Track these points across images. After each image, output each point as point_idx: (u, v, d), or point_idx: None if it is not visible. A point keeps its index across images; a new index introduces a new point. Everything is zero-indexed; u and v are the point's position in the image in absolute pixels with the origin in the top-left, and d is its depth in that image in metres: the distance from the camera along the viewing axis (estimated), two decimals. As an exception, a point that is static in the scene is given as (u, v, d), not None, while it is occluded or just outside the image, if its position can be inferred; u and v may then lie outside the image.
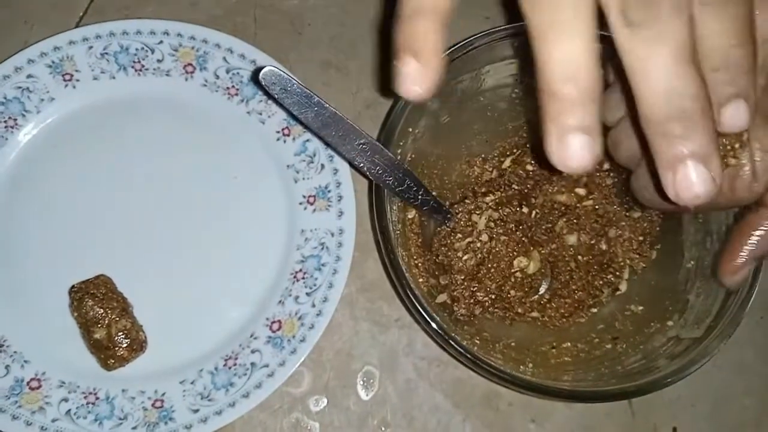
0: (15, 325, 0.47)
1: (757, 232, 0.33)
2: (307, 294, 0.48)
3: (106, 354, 0.45)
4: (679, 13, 0.22)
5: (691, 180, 0.23)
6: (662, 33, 0.22)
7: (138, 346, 0.46)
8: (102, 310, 0.45)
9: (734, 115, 0.25)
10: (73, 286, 0.46)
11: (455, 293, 0.43)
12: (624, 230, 0.47)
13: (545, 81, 0.23)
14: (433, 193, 0.46)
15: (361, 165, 0.37)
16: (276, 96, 0.34)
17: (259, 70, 0.34)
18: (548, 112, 0.23)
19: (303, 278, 0.48)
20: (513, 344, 0.46)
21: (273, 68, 0.33)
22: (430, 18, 0.24)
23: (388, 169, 0.38)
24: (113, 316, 0.45)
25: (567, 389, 0.38)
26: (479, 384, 0.49)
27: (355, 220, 0.49)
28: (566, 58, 0.22)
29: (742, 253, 0.34)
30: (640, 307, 0.46)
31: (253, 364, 0.46)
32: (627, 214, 0.47)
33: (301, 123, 0.39)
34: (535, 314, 0.47)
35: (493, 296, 0.43)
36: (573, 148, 0.22)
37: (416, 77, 0.24)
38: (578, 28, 0.22)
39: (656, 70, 0.22)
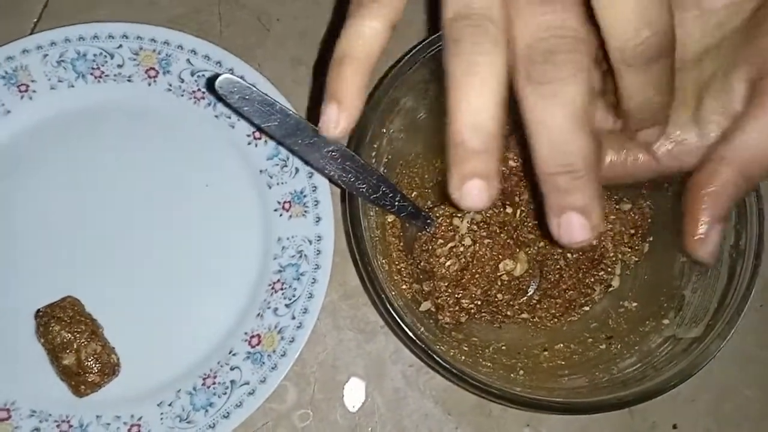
0: (-20, 353, 0.44)
1: (709, 189, 0.30)
2: (287, 306, 0.46)
3: (77, 380, 0.43)
4: (580, 74, 0.24)
5: (572, 228, 0.26)
6: (559, 93, 0.24)
7: (110, 369, 0.43)
8: (69, 335, 0.43)
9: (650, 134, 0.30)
10: (38, 311, 0.44)
11: (439, 301, 0.41)
12: (614, 224, 0.45)
13: (453, 129, 0.25)
14: (413, 195, 0.43)
15: (332, 173, 0.34)
16: (235, 105, 0.31)
17: (214, 78, 0.31)
18: (452, 156, 0.25)
19: (281, 289, 0.46)
20: (503, 348, 0.44)
21: (229, 76, 0.31)
22: (355, 64, 0.27)
23: (361, 176, 0.35)
24: (82, 340, 0.43)
25: (561, 402, 0.35)
26: (471, 389, 0.47)
27: (333, 225, 0.47)
28: (474, 110, 0.24)
29: (703, 218, 0.30)
30: (634, 304, 0.44)
31: (233, 381, 0.44)
32: (617, 207, 0.45)
33: (265, 132, 0.37)
34: (524, 315, 0.45)
35: (479, 302, 0.41)
36: (472, 192, 0.25)
37: (334, 121, 0.28)
38: (489, 83, 0.24)
39: (550, 127, 0.25)
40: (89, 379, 0.43)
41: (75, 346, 0.42)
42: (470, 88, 0.24)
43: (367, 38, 0.27)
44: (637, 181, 0.34)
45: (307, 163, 0.42)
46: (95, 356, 0.43)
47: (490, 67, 0.24)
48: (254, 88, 0.32)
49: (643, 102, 0.28)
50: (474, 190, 0.25)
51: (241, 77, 0.49)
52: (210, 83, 0.48)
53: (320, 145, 0.34)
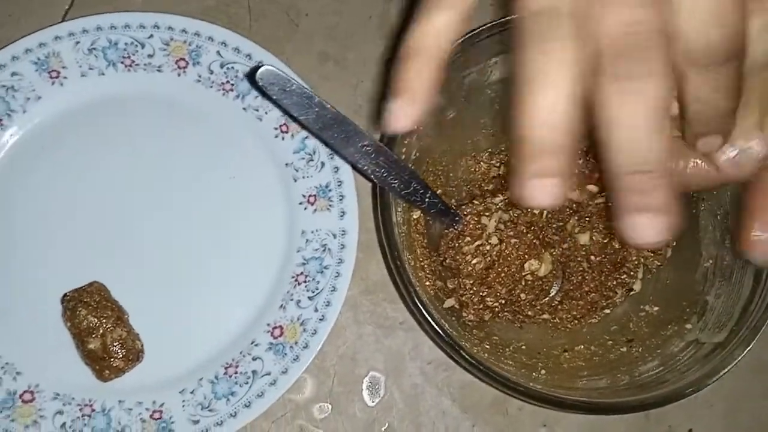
0: (6, 335, 0.45)
1: None
2: (309, 298, 0.46)
3: (102, 365, 0.43)
4: (664, 72, 0.24)
5: (647, 229, 0.25)
6: (643, 90, 0.24)
7: (134, 356, 0.44)
8: (96, 320, 0.43)
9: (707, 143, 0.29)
10: (65, 295, 0.44)
11: (464, 298, 0.41)
12: (638, 228, 0.45)
13: (524, 124, 0.24)
14: (439, 193, 0.44)
15: (365, 168, 0.35)
16: (274, 97, 0.32)
17: (255, 69, 0.31)
18: (521, 152, 0.25)
19: (305, 282, 0.47)
20: (523, 347, 0.44)
21: (270, 67, 0.31)
22: (426, 58, 0.27)
23: (393, 171, 0.36)
24: (108, 326, 0.43)
25: (583, 401, 0.36)
26: (488, 388, 0.47)
27: (357, 220, 0.47)
28: (547, 106, 0.24)
29: (765, 219, 0.29)
30: (656, 308, 0.44)
31: (254, 372, 0.45)
32: (641, 211, 0.45)
33: (301, 124, 0.37)
34: (545, 316, 0.45)
35: (503, 301, 0.41)
36: (539, 189, 0.25)
37: (403, 115, 0.27)
38: (565, 79, 0.24)
39: (631, 126, 0.24)
40: (113, 364, 0.43)
41: (101, 331, 0.43)
42: (545, 83, 0.24)
43: (439, 31, 0.27)
44: (689, 189, 0.33)
45: (341, 156, 0.43)
46: (120, 342, 0.43)
47: (567, 63, 0.24)
48: (294, 80, 0.32)
49: (708, 107, 0.27)
50: (539, 188, 0.25)
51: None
52: (251, 74, 0.48)
53: (355, 139, 0.34)
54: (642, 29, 0.24)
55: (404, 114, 0.27)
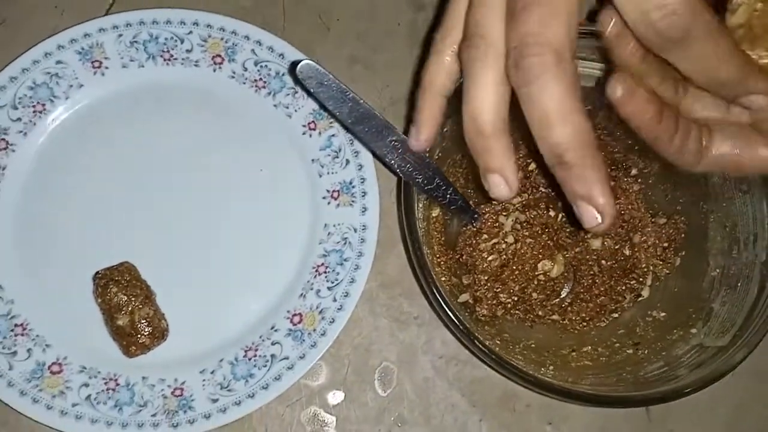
0: (38, 308, 0.47)
1: None
2: (329, 288, 0.48)
3: (128, 341, 0.45)
4: (546, 75, 0.27)
5: (585, 214, 0.28)
6: (531, 95, 0.27)
7: (160, 334, 0.46)
8: (126, 297, 0.45)
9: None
10: (97, 272, 0.46)
11: (478, 293, 0.43)
12: (649, 236, 0.47)
13: (463, 123, 0.30)
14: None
15: (392, 162, 0.37)
16: (312, 90, 0.34)
17: (296, 63, 0.34)
18: (471, 150, 0.30)
19: (325, 272, 0.49)
20: (533, 345, 0.46)
21: (310, 62, 0.33)
22: (431, 93, 0.33)
23: (419, 167, 0.38)
24: (137, 304, 0.45)
25: (589, 393, 0.37)
26: (497, 384, 0.49)
27: (378, 216, 0.49)
28: (476, 107, 0.29)
29: None
30: (663, 314, 0.46)
31: (273, 356, 0.47)
32: (653, 220, 0.47)
33: (335, 117, 0.39)
34: (555, 317, 0.47)
35: (516, 298, 0.43)
36: (495, 184, 0.30)
37: (415, 139, 0.35)
38: (489, 86, 0.29)
39: (535, 126, 0.27)
40: (140, 341, 0.45)
41: (130, 308, 0.45)
42: (473, 91, 0.29)
43: (444, 70, 0.33)
44: (744, 174, 0.34)
45: (370, 149, 0.45)
46: (147, 320, 0.45)
47: (487, 75, 0.29)
48: (331, 76, 0.34)
49: (711, 77, 0.28)
50: (496, 183, 0.30)
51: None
52: (292, 68, 0.50)
53: (384, 134, 0.36)
54: (523, 41, 0.27)
55: (418, 139, 0.34)
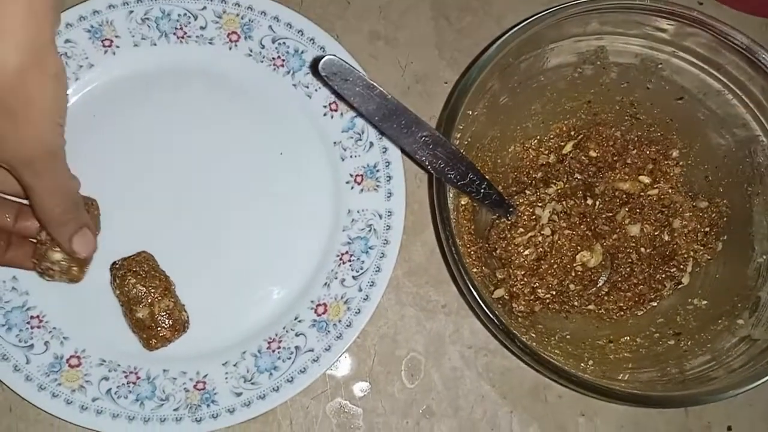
0: (54, 300, 0.45)
1: None
2: (354, 278, 0.46)
3: (149, 333, 0.43)
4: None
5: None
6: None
7: (180, 326, 0.44)
8: (144, 289, 0.43)
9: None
10: (114, 263, 0.45)
11: (514, 289, 0.41)
12: (689, 221, 0.44)
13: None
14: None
15: (423, 158, 0.35)
16: (336, 87, 0.32)
17: (318, 59, 0.31)
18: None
19: (349, 261, 0.47)
20: (568, 337, 0.44)
21: (333, 57, 0.31)
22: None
23: (451, 162, 0.35)
24: (156, 295, 0.43)
25: (637, 393, 0.36)
26: (528, 375, 0.47)
27: (404, 201, 0.47)
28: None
29: None
30: (704, 302, 0.44)
31: (297, 347, 0.45)
32: (693, 204, 0.45)
33: (362, 115, 0.37)
34: (591, 307, 0.45)
35: (554, 292, 0.41)
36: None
37: None
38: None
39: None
40: (160, 334, 0.43)
41: (149, 300, 0.43)
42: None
43: None
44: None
45: (399, 146, 0.43)
46: (168, 312, 0.44)
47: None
48: (356, 71, 0.32)
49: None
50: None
51: (322, 48, 0.49)
52: (313, 64, 0.48)
53: (414, 129, 0.34)
54: None
55: None
